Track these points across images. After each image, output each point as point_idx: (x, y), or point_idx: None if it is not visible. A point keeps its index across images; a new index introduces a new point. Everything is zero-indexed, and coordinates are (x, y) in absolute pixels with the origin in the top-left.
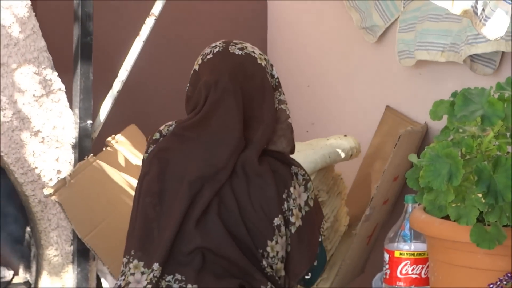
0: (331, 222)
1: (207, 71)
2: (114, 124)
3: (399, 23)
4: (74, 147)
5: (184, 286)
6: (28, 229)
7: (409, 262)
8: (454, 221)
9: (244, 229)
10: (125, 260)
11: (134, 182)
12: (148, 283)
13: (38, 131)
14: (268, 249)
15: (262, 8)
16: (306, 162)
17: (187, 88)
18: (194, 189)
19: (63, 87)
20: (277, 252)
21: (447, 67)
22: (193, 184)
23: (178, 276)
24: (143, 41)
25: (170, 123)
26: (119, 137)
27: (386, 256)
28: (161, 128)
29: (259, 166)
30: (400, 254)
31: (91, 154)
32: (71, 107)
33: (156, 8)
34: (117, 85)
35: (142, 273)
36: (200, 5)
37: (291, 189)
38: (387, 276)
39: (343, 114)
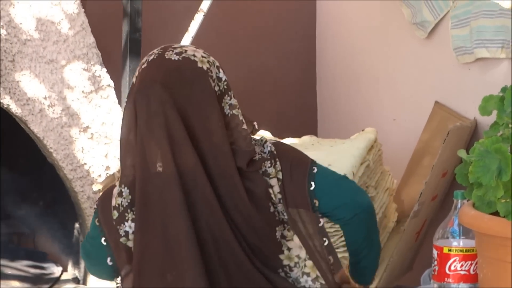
0: (380, 218)
1: (138, 83)
2: None
3: (450, 19)
4: None
5: None
6: (77, 225)
7: (458, 258)
8: (504, 217)
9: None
10: None
11: None
12: None
13: (87, 127)
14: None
15: (311, 4)
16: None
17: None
18: None
19: (112, 83)
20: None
21: (497, 62)
22: None
23: None
24: (192, 37)
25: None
26: None
27: (435, 252)
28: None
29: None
30: (449, 250)
31: None
32: (120, 103)
33: (205, 4)
34: None
35: None
36: (249, 3)
37: (270, 190)
38: (436, 273)
39: (392, 109)
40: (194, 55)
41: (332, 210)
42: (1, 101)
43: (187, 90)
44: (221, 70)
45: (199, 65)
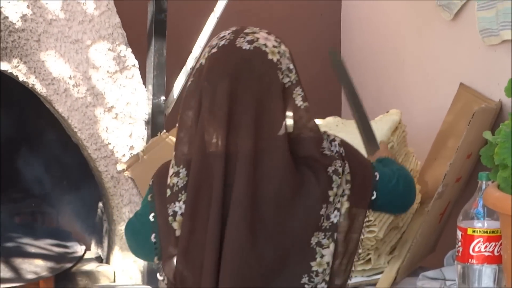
0: None
1: (207, 69)
2: None
3: (476, 1)
4: (147, 123)
5: None
6: (100, 204)
7: (482, 239)
8: None
9: None
10: None
11: None
12: None
13: (112, 107)
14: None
15: None
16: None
17: (190, 81)
18: None
19: (137, 63)
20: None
21: None
22: None
23: None
24: (217, 17)
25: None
26: None
27: (459, 233)
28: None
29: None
30: (473, 231)
31: (164, 130)
32: (144, 83)
33: None
34: (190, 62)
35: None
36: None
37: (332, 190)
38: (460, 254)
39: (417, 91)
40: (265, 45)
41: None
42: (27, 80)
43: (255, 83)
44: (291, 60)
45: (270, 57)
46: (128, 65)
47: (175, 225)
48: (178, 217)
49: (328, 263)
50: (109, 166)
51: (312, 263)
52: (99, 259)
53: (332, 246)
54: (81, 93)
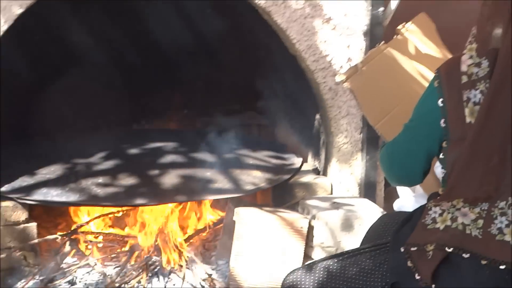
0: None
1: None
2: (405, 12)
3: None
4: (365, 34)
5: None
6: (317, 116)
7: None
8: None
9: None
10: None
11: (424, 70)
12: None
13: (330, 18)
14: None
15: None
16: None
17: None
18: None
19: None
20: None
21: None
22: None
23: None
24: None
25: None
26: (409, 25)
27: None
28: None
29: None
30: None
31: (382, 42)
32: None
33: None
34: None
35: None
36: None
37: None
38: None
39: None
40: None
41: None
42: None
43: None
44: None
45: None
46: None
47: (466, 111)
48: (471, 104)
49: None
50: (327, 78)
51: None
52: (316, 171)
53: None
54: (300, 4)
